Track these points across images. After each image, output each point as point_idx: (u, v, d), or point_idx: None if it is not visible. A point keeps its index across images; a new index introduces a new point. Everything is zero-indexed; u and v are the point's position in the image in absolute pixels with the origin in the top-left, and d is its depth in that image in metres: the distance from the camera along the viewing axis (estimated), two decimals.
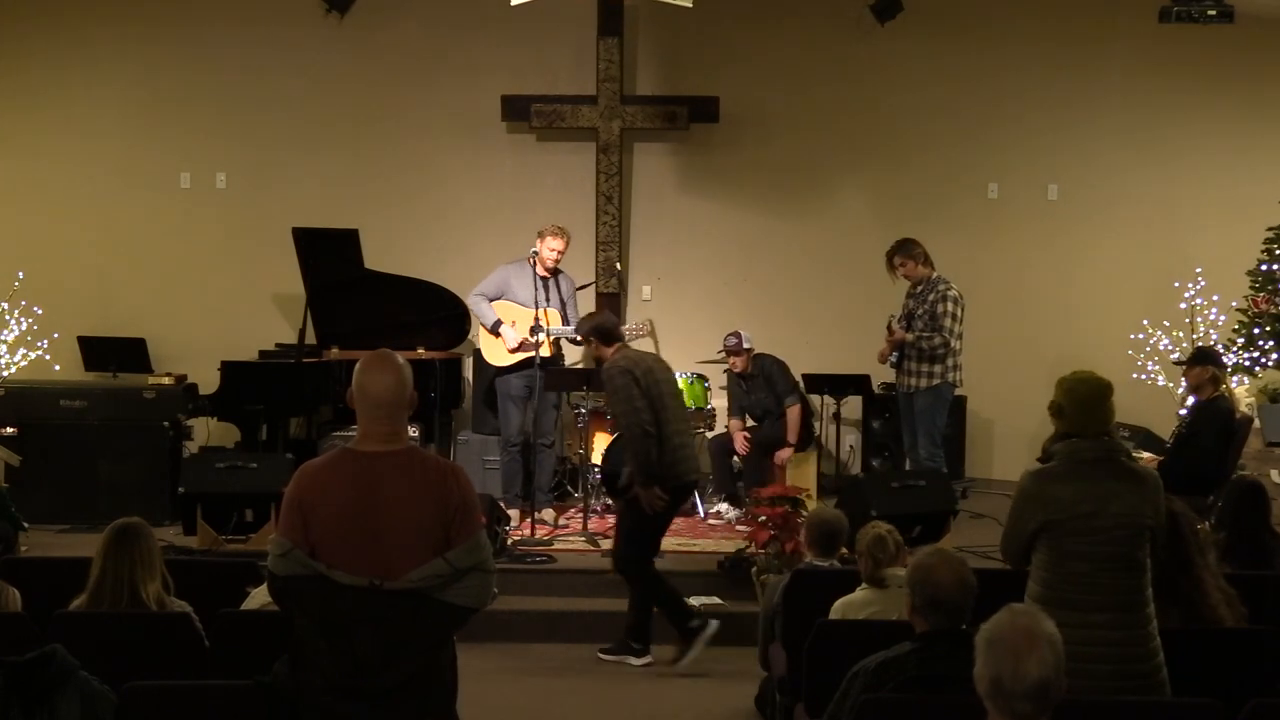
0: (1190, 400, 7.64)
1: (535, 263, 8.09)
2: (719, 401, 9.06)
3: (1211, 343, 8.98)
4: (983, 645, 2.76)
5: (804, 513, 6.87)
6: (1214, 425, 7.27)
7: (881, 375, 8.88)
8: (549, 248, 8.16)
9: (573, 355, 9.07)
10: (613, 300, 9.59)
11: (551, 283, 8.29)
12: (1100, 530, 3.81)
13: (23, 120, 10.00)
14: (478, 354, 8.78)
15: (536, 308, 7.90)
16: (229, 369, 8.34)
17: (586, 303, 9.30)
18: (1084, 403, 3.94)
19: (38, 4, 9.91)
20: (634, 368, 6.34)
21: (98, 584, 4.24)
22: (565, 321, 8.25)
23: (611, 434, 8.48)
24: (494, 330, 8.26)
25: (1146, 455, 7.77)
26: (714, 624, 6.28)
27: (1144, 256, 9.83)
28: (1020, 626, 2.76)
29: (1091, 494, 3.84)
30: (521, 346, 8.14)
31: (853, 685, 3.55)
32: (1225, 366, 7.92)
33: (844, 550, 5.69)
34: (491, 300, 8.33)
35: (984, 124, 10.00)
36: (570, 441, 9.20)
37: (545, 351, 8.00)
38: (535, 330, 7.91)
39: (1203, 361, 7.42)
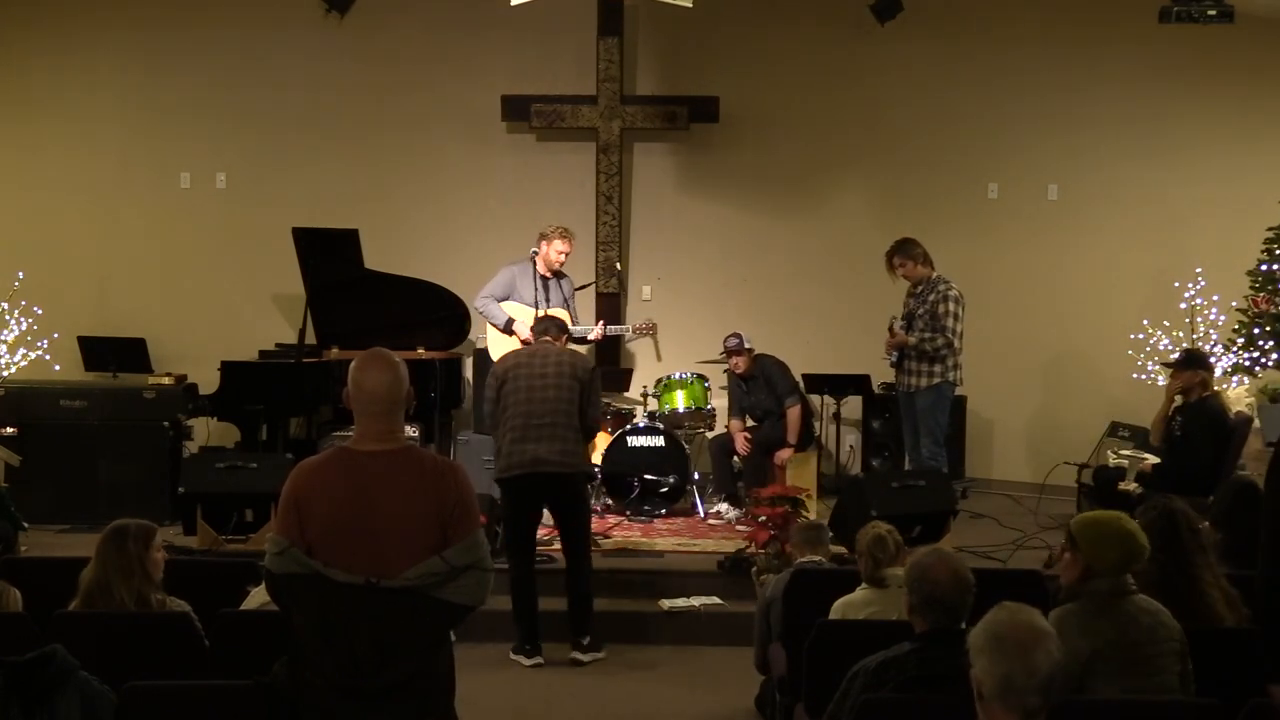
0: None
1: (536, 263, 8.10)
2: (719, 402, 9.06)
3: (1212, 342, 8.98)
4: (987, 644, 2.74)
5: (804, 513, 6.89)
6: (1207, 426, 7.30)
7: (881, 375, 8.88)
8: (555, 250, 8.17)
9: None
10: (613, 300, 9.60)
11: (553, 283, 8.29)
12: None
13: (23, 121, 10.01)
14: (478, 354, 8.78)
15: (537, 308, 7.90)
16: (229, 369, 8.33)
17: (586, 302, 9.31)
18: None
19: (38, 6, 9.92)
20: (498, 365, 6.63)
21: (89, 584, 4.26)
22: (572, 322, 8.25)
23: (612, 434, 8.49)
24: (507, 330, 8.27)
25: (1148, 458, 7.78)
26: (535, 662, 6.40)
27: (1144, 256, 9.82)
28: (1022, 622, 2.75)
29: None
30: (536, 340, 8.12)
31: (853, 685, 3.55)
32: (1213, 370, 7.94)
33: (844, 550, 5.71)
34: (500, 301, 8.35)
35: (984, 124, 10.00)
36: None
37: None
38: None
39: (1193, 365, 7.44)
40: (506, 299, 8.35)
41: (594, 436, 6.65)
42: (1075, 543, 3.86)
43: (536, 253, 8.13)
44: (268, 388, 8.33)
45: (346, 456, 3.40)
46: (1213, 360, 8.79)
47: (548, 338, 6.68)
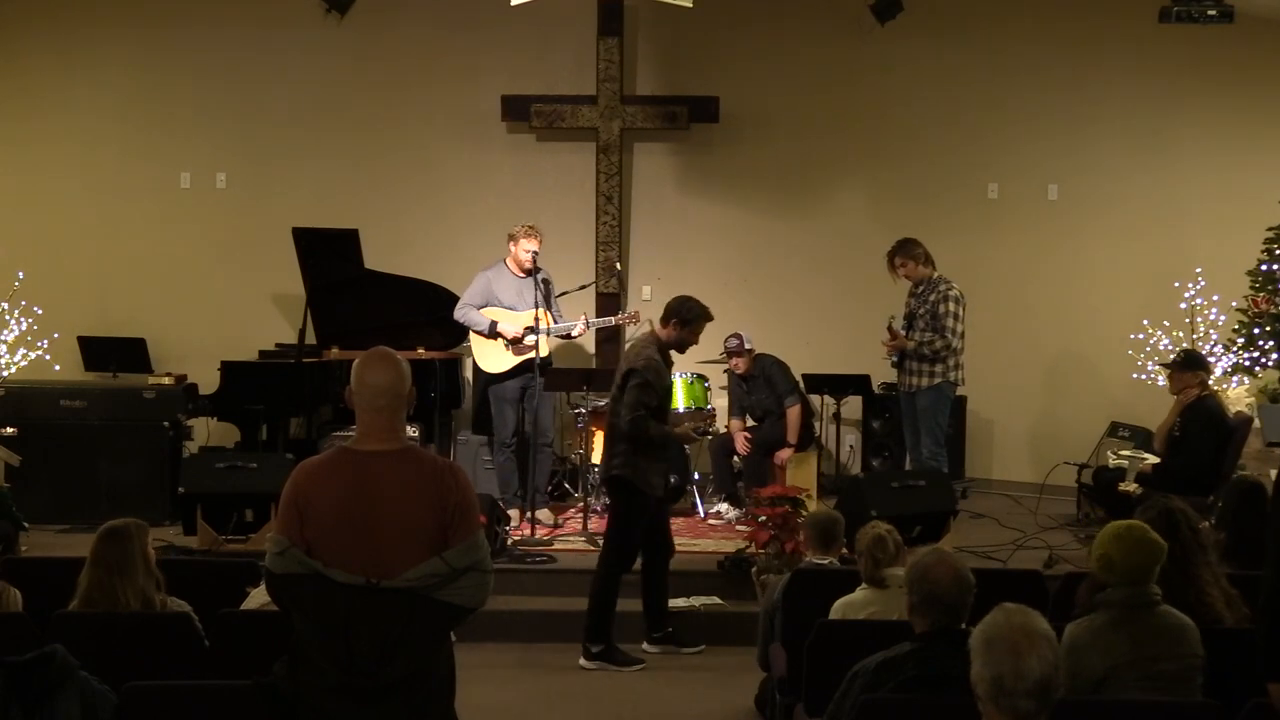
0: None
1: (508, 264, 8.05)
2: (719, 402, 9.06)
3: (1212, 342, 8.98)
4: (980, 645, 2.75)
5: (804, 513, 6.88)
6: (1206, 425, 7.32)
7: (882, 375, 8.88)
8: (524, 249, 8.03)
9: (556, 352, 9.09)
10: (613, 300, 9.59)
11: (532, 282, 8.20)
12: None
13: (23, 121, 10.01)
14: None
15: (536, 308, 7.86)
16: (229, 369, 8.34)
17: (588, 302, 9.29)
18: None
19: (39, 6, 9.92)
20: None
21: (89, 587, 4.26)
22: (553, 320, 8.21)
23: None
24: (492, 334, 8.15)
25: (1148, 458, 7.78)
26: (590, 664, 6.35)
27: (1144, 256, 9.82)
28: (1017, 625, 2.75)
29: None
30: (523, 338, 8.04)
31: (853, 685, 3.54)
32: (1211, 371, 7.97)
33: (844, 550, 5.70)
34: (479, 309, 8.25)
35: (984, 124, 10.00)
36: (570, 441, 9.20)
37: (544, 351, 7.97)
38: (532, 331, 7.86)
39: (1192, 367, 7.50)
40: (485, 306, 8.22)
41: (635, 442, 6.35)
42: (1092, 550, 3.86)
43: (536, 253, 8.05)
44: (268, 388, 8.33)
45: (348, 456, 3.40)
46: (1212, 360, 8.81)
47: (657, 326, 6.77)
